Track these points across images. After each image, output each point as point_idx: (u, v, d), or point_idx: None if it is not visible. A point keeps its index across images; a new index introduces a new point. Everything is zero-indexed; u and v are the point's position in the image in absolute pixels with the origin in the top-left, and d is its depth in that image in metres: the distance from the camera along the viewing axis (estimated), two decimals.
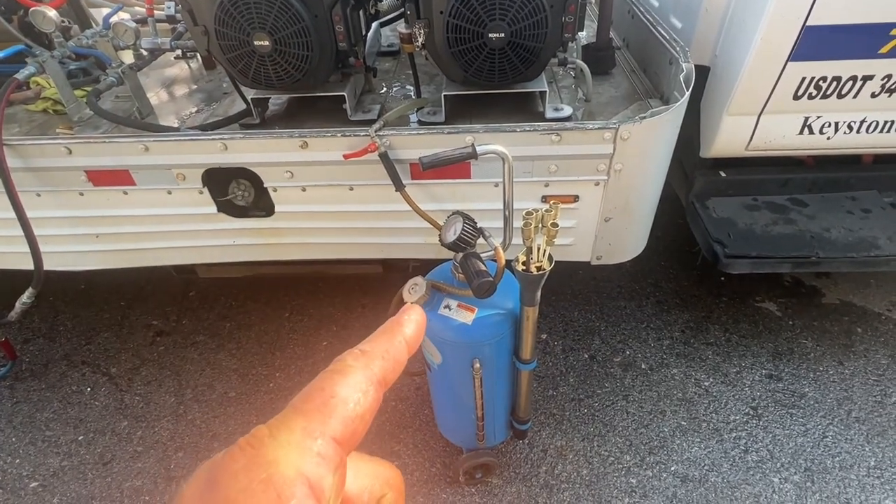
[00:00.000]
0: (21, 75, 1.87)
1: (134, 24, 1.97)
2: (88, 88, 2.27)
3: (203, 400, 2.36)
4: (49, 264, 2.15)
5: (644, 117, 1.65)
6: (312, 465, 0.25)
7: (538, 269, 1.33)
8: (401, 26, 1.81)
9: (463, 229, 1.38)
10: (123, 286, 2.92)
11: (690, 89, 1.69)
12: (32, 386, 2.46)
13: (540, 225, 1.26)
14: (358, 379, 0.29)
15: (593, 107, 2.00)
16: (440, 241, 1.42)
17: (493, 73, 1.66)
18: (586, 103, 2.01)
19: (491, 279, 1.33)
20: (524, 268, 1.34)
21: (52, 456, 2.18)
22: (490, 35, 1.55)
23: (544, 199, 1.88)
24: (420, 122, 1.91)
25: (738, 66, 1.90)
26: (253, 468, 0.24)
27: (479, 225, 1.42)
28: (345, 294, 2.84)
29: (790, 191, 2.34)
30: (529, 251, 1.32)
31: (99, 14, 2.55)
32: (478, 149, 1.28)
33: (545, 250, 1.32)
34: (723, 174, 2.32)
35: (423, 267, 2.18)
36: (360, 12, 1.75)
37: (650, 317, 2.64)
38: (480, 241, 1.41)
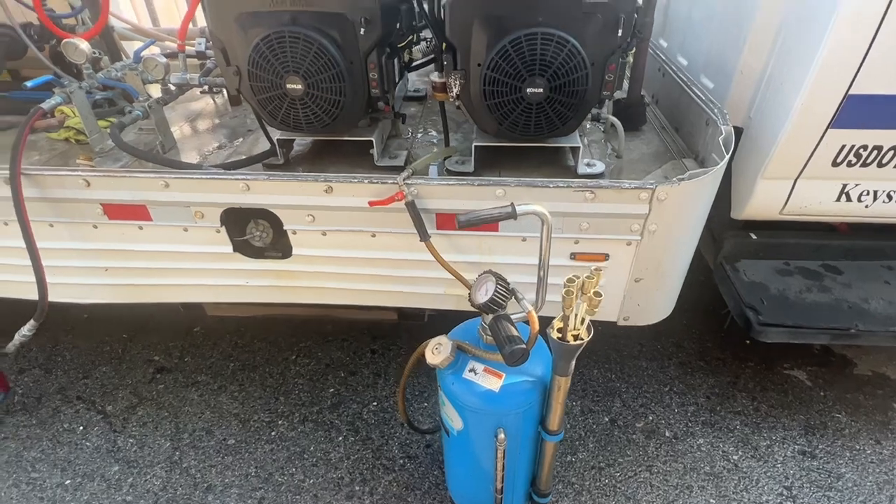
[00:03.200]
0: (47, 105, 1.84)
1: (164, 60, 1.96)
2: (112, 119, 2.26)
3: (200, 446, 2.23)
4: (55, 296, 2.07)
5: (682, 179, 1.60)
6: None
7: (575, 337, 1.24)
8: (434, 75, 1.78)
9: (496, 291, 1.30)
10: (126, 317, 2.83)
11: (731, 153, 1.64)
12: (22, 421, 2.34)
13: (580, 292, 1.18)
14: None
15: (624, 163, 1.95)
16: (470, 301, 1.34)
17: (528, 127, 1.62)
18: (617, 159, 1.97)
19: (524, 347, 1.24)
20: (560, 336, 1.25)
21: (35, 501, 2.04)
22: (528, 90, 1.51)
23: (573, 255, 1.80)
24: (448, 171, 1.86)
25: (775, 131, 1.86)
26: None
27: (511, 286, 1.34)
28: (354, 338, 2.74)
29: (823, 256, 2.27)
30: (566, 318, 1.24)
31: (130, 47, 2.57)
32: (517, 209, 1.22)
33: (584, 318, 1.24)
34: (753, 236, 2.25)
35: (438, 315, 2.10)
36: (395, 60, 1.73)
37: (673, 379, 2.52)
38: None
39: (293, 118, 1.67)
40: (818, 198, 2.00)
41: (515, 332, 1.27)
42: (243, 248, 1.91)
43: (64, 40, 1.94)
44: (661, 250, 1.77)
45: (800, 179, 1.95)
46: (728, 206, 2.18)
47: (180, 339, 2.76)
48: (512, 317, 1.35)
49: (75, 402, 2.43)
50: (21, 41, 2.42)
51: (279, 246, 1.91)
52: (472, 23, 1.50)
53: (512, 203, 1.22)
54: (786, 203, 2.02)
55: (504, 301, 1.31)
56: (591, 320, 1.26)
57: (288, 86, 1.58)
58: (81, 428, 2.31)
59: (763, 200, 2.03)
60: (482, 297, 1.32)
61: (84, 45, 1.95)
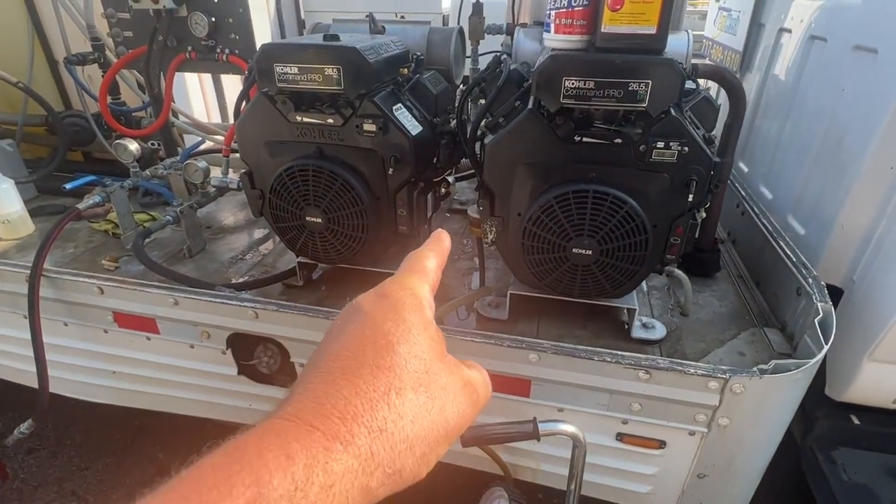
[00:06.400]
0: (83, 205, 1.83)
1: (204, 165, 1.93)
2: (155, 214, 2.25)
3: None
4: (66, 390, 2.05)
5: (765, 371, 1.27)
6: (426, 292, 0.47)
7: None
8: (472, 209, 1.61)
9: None
10: None
11: (830, 343, 1.30)
12: None
13: None
14: (433, 260, 0.51)
15: (691, 324, 1.64)
16: None
17: (571, 288, 1.38)
18: (683, 317, 1.66)
19: None
20: None
21: None
22: (574, 250, 1.29)
23: (620, 437, 1.48)
24: (478, 315, 1.64)
25: (888, 306, 1.50)
26: (404, 288, 0.46)
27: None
28: None
29: None
30: None
31: (190, 140, 2.62)
32: (541, 427, 0.96)
33: None
34: (855, 420, 1.81)
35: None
36: (430, 195, 1.57)
37: None
38: None
39: (311, 249, 1.53)
40: None
41: None
42: (249, 372, 1.76)
43: (115, 141, 1.97)
44: (734, 447, 1.42)
45: None
46: (821, 377, 1.78)
47: (190, 435, 2.58)
48: None
49: (69, 499, 2.29)
50: (91, 129, 2.55)
51: (286, 373, 1.74)
52: (515, 168, 1.31)
53: (534, 419, 0.96)
54: None
55: None
56: None
57: (308, 218, 1.45)
58: None
59: (870, 385, 1.63)
60: None
61: (133, 147, 1.96)
